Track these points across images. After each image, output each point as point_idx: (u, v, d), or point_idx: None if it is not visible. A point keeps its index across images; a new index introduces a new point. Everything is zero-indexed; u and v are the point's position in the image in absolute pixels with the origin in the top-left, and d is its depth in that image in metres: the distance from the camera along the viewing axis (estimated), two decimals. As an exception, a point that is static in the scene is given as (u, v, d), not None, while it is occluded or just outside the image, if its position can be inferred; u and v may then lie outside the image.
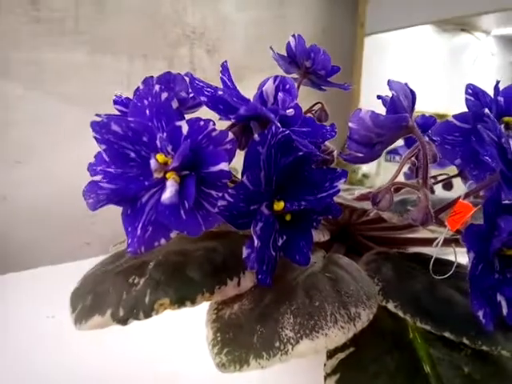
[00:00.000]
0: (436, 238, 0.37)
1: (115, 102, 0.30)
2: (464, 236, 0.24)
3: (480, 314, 0.25)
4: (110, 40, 1.06)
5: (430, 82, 1.15)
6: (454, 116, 0.35)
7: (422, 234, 0.40)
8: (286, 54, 0.42)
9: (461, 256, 0.32)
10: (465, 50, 1.35)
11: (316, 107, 0.43)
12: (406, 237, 0.37)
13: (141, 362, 0.48)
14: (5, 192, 0.98)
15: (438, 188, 0.49)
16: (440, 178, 0.47)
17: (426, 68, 1.25)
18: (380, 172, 0.97)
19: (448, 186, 0.47)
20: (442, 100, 1.13)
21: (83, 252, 1.04)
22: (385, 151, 0.32)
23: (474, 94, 0.35)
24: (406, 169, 0.49)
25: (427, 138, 0.43)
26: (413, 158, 0.41)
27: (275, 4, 1.24)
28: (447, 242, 0.37)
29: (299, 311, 0.25)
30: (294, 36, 0.40)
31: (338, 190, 0.26)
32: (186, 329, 0.50)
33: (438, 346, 0.27)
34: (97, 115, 0.28)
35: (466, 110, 0.35)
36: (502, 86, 0.36)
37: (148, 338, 0.52)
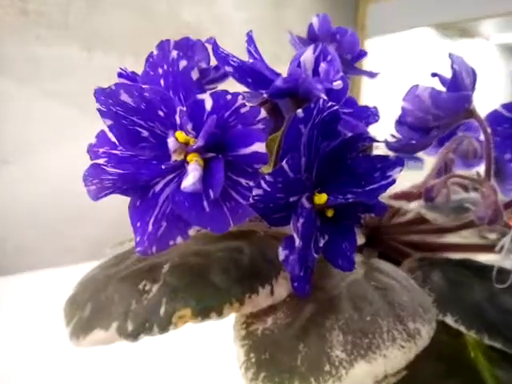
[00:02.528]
0: (478, 244, 0.34)
1: (120, 75, 0.25)
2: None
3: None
4: (102, 36, 1.01)
5: (431, 86, 1.13)
6: (503, 105, 0.31)
7: (455, 238, 0.36)
8: (306, 37, 0.38)
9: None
10: (465, 55, 1.33)
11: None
12: (445, 242, 0.33)
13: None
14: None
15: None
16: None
17: (426, 71, 1.23)
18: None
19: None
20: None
21: (70, 257, 0.98)
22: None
23: (523, 81, 0.31)
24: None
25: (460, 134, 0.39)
26: (450, 154, 0.38)
27: (274, 4, 1.21)
28: (483, 249, 0.34)
29: (349, 327, 0.20)
30: (317, 15, 0.36)
31: (394, 181, 0.22)
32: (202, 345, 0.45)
33: (505, 367, 0.23)
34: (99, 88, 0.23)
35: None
36: (502, 94, 0.32)
37: (159, 351, 0.47)
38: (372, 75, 0.37)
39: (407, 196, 0.34)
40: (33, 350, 0.52)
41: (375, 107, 0.26)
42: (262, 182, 0.20)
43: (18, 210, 0.94)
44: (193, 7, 1.10)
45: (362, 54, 0.36)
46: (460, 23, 1.23)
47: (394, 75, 1.19)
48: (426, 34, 1.26)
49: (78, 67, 1.01)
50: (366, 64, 1.19)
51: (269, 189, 0.20)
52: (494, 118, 0.31)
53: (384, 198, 0.31)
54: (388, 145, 0.25)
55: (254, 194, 0.20)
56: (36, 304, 0.62)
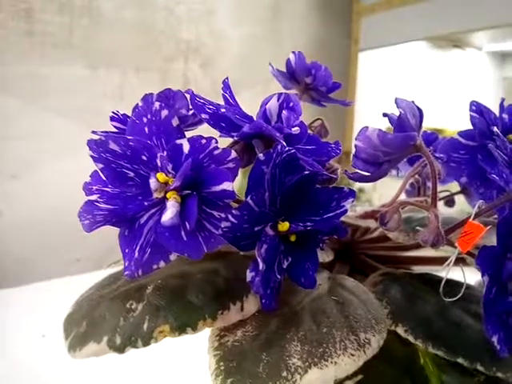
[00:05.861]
0: (441, 257, 0.37)
1: (112, 119, 0.29)
2: (478, 259, 0.23)
3: (494, 339, 0.24)
4: (105, 54, 1.06)
5: (425, 98, 1.16)
6: (459, 133, 0.34)
7: (425, 251, 0.39)
8: (285, 70, 0.41)
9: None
10: (458, 65, 1.36)
11: (316, 123, 0.42)
12: (410, 256, 0.36)
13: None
14: (1, 207, 0.96)
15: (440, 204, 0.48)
16: (442, 195, 0.46)
17: (420, 83, 1.26)
18: (376, 187, 0.96)
19: (450, 202, 0.47)
20: (437, 115, 1.13)
21: (74, 268, 1.01)
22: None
23: (478, 110, 0.34)
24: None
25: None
26: (416, 176, 0.41)
27: (269, 20, 1.25)
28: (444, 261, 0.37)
29: (306, 338, 0.23)
30: (294, 52, 0.39)
31: (346, 211, 0.25)
32: (185, 355, 0.48)
33: (450, 373, 0.26)
34: (93, 132, 0.27)
35: (469, 126, 0.35)
36: (493, 100, 0.35)
37: (146, 362, 0.51)
38: (345, 104, 0.41)
39: (376, 215, 0.37)
40: (36, 361, 0.55)
41: (337, 142, 0.29)
42: (230, 216, 0.23)
43: (24, 223, 0.98)
44: (191, 24, 1.15)
45: (336, 86, 0.40)
46: (452, 35, 1.26)
47: (387, 87, 1.22)
48: (419, 46, 1.29)
49: (82, 84, 1.05)
50: (360, 77, 1.22)
51: (236, 221, 0.23)
52: (451, 144, 0.34)
53: (351, 217, 0.35)
54: (348, 176, 0.28)
55: (222, 226, 0.23)
56: (41, 315, 0.66)
